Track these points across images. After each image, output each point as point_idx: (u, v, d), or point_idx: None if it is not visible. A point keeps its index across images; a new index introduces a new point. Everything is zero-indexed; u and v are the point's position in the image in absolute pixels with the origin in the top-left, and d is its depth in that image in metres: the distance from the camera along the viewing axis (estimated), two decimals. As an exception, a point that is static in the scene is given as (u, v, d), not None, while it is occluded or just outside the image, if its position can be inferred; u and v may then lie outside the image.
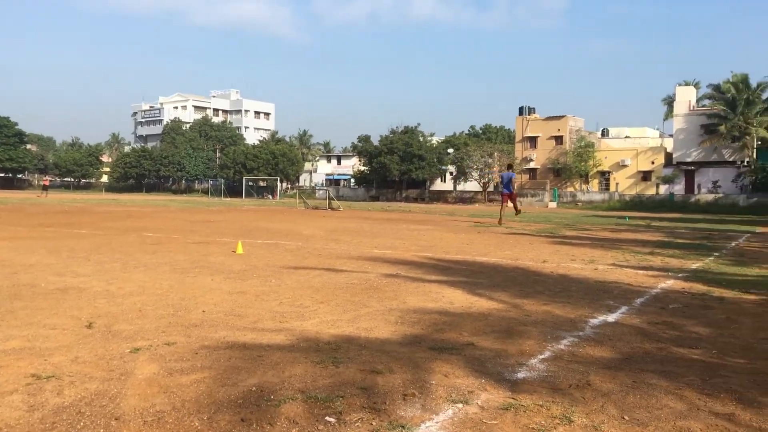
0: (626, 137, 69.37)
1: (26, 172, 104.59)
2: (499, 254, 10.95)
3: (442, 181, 76.71)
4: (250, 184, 73.75)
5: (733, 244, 14.58)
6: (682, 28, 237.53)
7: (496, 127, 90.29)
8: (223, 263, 8.80)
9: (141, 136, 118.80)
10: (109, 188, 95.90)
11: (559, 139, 65.90)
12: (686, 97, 60.29)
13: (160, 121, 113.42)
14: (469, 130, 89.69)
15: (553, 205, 56.55)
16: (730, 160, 56.85)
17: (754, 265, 9.88)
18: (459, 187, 72.06)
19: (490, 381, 3.63)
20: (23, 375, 3.58)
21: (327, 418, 3.01)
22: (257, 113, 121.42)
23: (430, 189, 73.05)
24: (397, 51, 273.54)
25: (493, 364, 3.99)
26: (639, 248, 12.56)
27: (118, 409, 3.08)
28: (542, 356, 4.20)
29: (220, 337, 4.55)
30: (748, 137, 55.11)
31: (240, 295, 6.28)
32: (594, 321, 5.38)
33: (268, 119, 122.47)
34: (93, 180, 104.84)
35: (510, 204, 22.58)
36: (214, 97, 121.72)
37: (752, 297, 6.81)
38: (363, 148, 73.54)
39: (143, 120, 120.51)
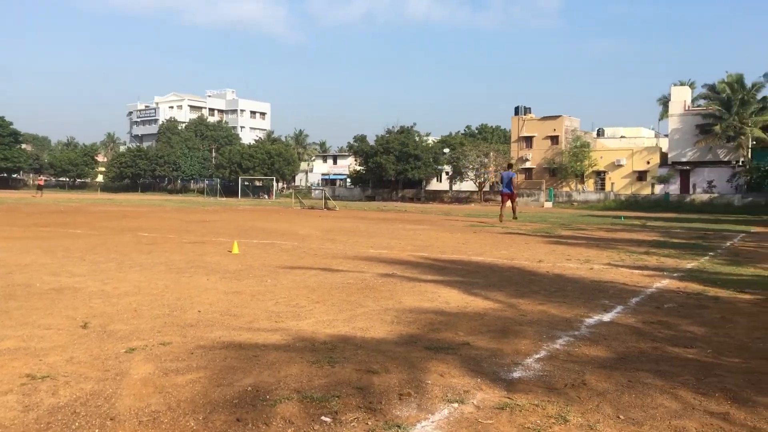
0: (622, 137, 69.45)
1: (21, 172, 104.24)
2: (495, 254, 10.96)
3: (438, 181, 76.74)
4: (246, 183, 73.65)
5: (728, 244, 14.62)
6: (677, 29, 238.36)
7: (492, 126, 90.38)
8: (218, 263, 8.79)
9: (136, 136, 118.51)
10: (105, 188, 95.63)
11: (554, 139, 65.97)
12: (681, 97, 60.42)
13: (156, 120, 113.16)
14: (465, 130, 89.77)
15: (548, 204, 56.61)
16: (725, 160, 56.99)
17: (749, 265, 9.91)
18: (455, 187, 72.06)
19: (485, 380, 3.64)
20: (18, 375, 3.57)
21: (323, 417, 3.01)
22: (253, 113, 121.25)
23: (426, 189, 73.04)
24: (393, 51, 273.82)
25: (488, 363, 3.99)
26: (634, 248, 12.59)
27: (113, 409, 3.08)
28: (538, 356, 4.21)
29: (216, 337, 4.54)
30: (743, 137, 55.24)
31: (236, 295, 6.27)
32: (589, 320, 5.39)
33: (263, 119, 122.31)
34: (88, 180, 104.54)
35: (509, 204, 22.57)
36: (209, 96, 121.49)
37: (747, 296, 6.84)
38: (359, 148, 73.52)
39: (139, 119, 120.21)
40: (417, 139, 71.44)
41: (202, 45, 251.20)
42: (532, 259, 10.21)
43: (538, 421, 3.03)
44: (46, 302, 5.71)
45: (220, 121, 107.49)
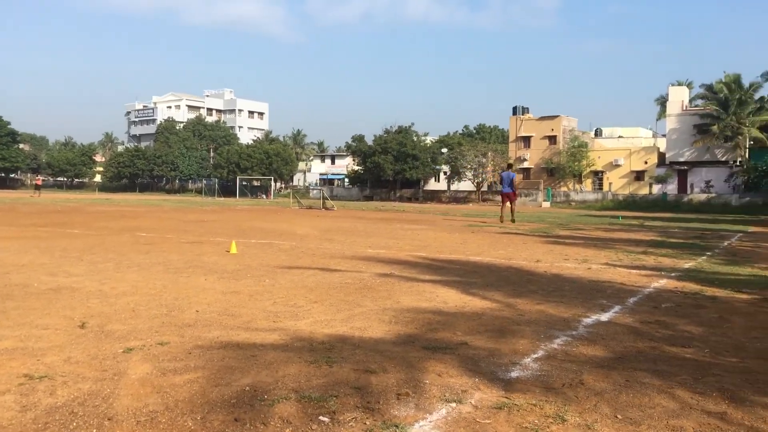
0: (619, 137, 69.56)
1: (19, 172, 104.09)
2: (493, 254, 10.97)
3: (436, 180, 76.77)
4: (244, 183, 73.63)
5: (725, 244, 14.64)
6: (675, 29, 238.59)
7: (489, 126, 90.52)
8: (216, 263, 8.78)
9: (134, 136, 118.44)
10: (103, 188, 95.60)
11: (552, 139, 66.04)
12: (679, 97, 60.54)
13: (154, 120, 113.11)
14: (462, 130, 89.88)
15: (546, 204, 56.66)
16: (723, 159, 57.11)
17: (746, 265, 9.93)
18: (453, 187, 72.10)
19: (483, 380, 3.64)
20: (16, 375, 3.56)
21: (321, 417, 3.01)
22: (251, 113, 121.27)
23: (424, 189, 73.07)
24: (392, 51, 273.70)
25: (486, 363, 3.99)
26: (632, 248, 12.60)
27: (111, 409, 3.07)
28: (535, 355, 4.21)
29: (214, 336, 4.54)
30: (740, 137, 55.36)
31: (234, 295, 6.27)
32: (587, 320, 5.39)
33: (261, 119, 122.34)
34: (86, 180, 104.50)
35: (509, 204, 22.47)
36: (207, 96, 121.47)
37: (744, 296, 6.85)
38: (357, 148, 73.53)
39: (137, 119, 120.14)
40: (415, 138, 71.46)
41: (200, 45, 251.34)
42: (529, 258, 10.22)
43: (536, 421, 3.04)
44: (44, 302, 5.70)
45: (218, 121, 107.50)
